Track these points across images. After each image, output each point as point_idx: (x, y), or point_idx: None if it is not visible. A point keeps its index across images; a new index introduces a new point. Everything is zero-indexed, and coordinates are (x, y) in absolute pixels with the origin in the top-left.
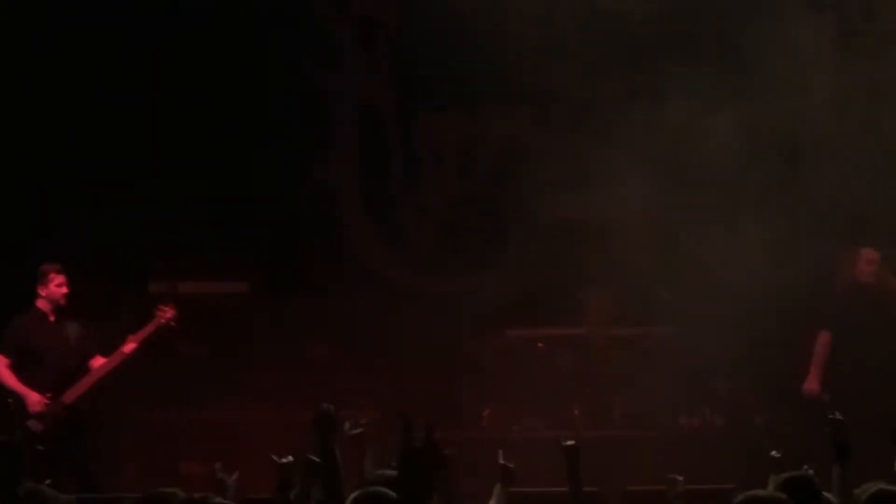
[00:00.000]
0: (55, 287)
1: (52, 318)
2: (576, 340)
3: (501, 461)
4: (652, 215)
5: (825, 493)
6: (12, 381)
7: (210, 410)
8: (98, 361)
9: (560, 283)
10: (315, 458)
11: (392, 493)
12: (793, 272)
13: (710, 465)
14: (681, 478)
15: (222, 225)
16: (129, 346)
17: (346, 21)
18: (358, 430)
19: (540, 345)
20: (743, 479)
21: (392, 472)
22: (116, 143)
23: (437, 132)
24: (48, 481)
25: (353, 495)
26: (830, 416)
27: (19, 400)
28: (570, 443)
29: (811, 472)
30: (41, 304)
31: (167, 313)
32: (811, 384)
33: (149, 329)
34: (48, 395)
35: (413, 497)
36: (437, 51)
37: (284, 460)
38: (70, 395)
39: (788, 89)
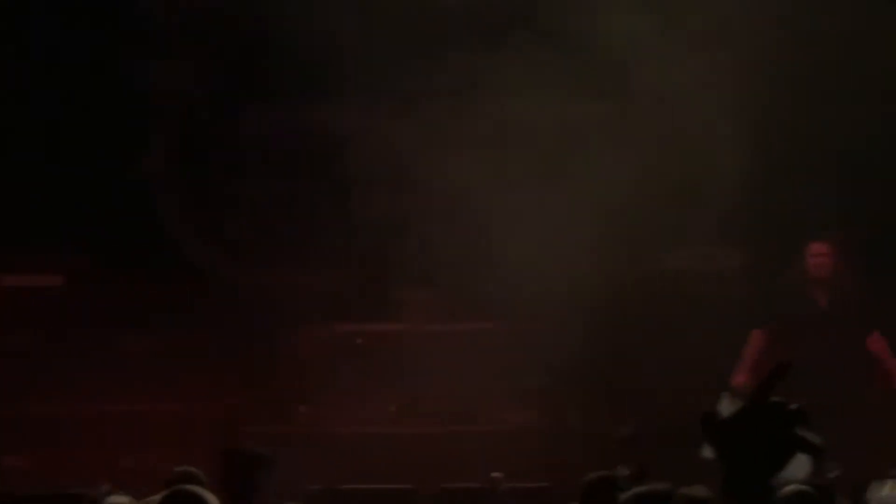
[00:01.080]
0: None
1: None
2: (395, 336)
3: None
4: (473, 210)
5: None
6: None
7: (31, 405)
8: None
9: (380, 278)
10: None
11: (207, 494)
12: (613, 270)
13: (529, 463)
14: (500, 475)
15: (39, 218)
16: None
17: (170, 11)
18: None
19: (359, 340)
20: (557, 478)
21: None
22: None
23: (259, 125)
24: None
25: (163, 493)
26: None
27: None
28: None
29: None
30: None
31: None
32: (738, 378)
33: None
34: None
35: (235, 497)
36: (260, 42)
37: None
38: None
39: (609, 79)
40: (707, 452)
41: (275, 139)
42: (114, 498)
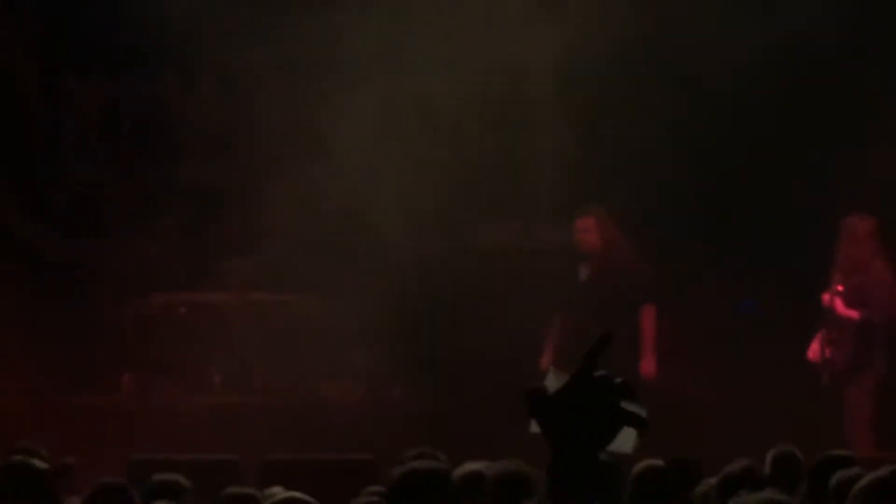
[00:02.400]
0: None
1: None
2: (217, 306)
3: None
4: (295, 183)
5: None
6: None
7: None
8: None
9: (202, 249)
10: None
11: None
12: (440, 242)
13: (350, 436)
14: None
15: None
16: None
17: None
18: None
19: (182, 310)
20: (380, 450)
21: None
22: None
23: (78, 96)
24: None
25: None
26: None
27: None
28: None
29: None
30: None
31: None
32: (543, 360)
33: None
34: None
35: None
36: (78, 13)
37: None
38: None
39: (433, 62)
40: (534, 427)
41: (94, 110)
42: None
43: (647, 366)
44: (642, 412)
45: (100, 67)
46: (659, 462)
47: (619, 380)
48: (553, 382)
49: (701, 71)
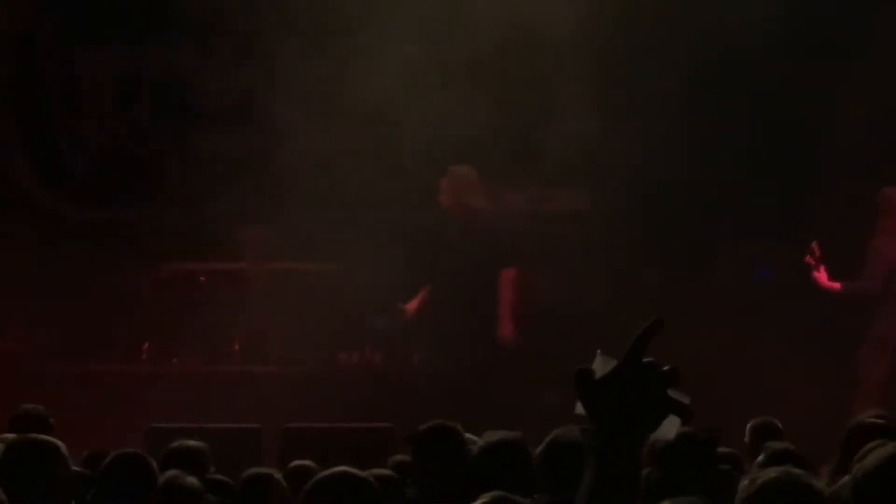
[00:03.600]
0: None
1: None
2: (236, 275)
3: None
4: (313, 151)
5: None
6: None
7: None
8: None
9: (220, 217)
10: None
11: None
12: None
13: (369, 403)
14: None
15: None
16: None
17: None
18: None
19: (201, 278)
20: (400, 419)
21: None
22: None
23: (95, 63)
24: None
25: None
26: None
27: None
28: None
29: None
30: None
31: None
32: (504, 329)
33: None
34: None
35: None
36: None
37: None
38: None
39: (438, 22)
40: (579, 409)
41: (112, 78)
42: None
43: (505, 329)
44: (686, 400)
45: (117, 35)
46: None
47: (666, 367)
48: (601, 366)
49: (724, 33)
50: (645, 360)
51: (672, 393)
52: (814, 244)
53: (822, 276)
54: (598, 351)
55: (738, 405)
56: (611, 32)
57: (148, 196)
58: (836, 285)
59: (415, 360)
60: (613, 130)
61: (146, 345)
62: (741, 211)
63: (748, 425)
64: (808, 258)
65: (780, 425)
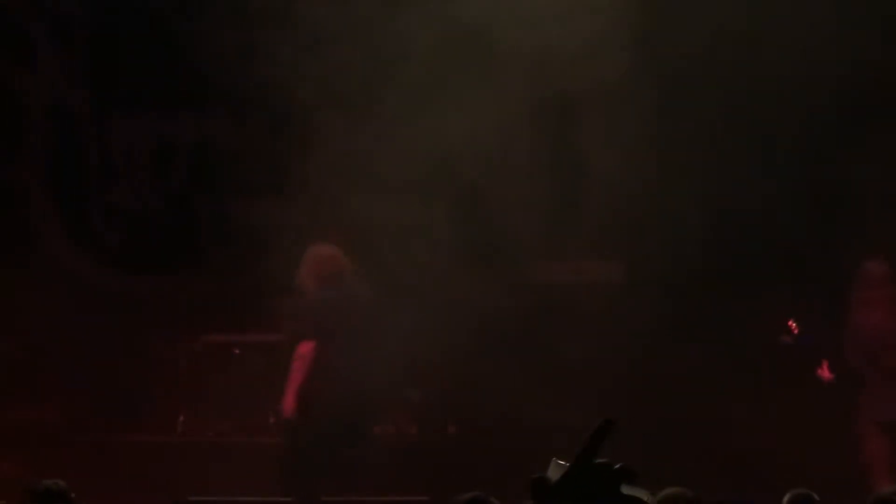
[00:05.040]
0: None
1: None
2: (270, 347)
3: None
4: (347, 222)
5: None
6: None
7: None
8: None
9: (255, 288)
10: None
11: None
12: (487, 283)
13: (404, 474)
14: None
15: None
16: None
17: (39, 18)
18: None
19: (236, 350)
20: (436, 490)
21: None
22: None
23: (131, 132)
24: None
25: None
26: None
27: None
28: None
29: None
30: None
31: None
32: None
33: None
34: None
35: None
36: (132, 50)
37: None
38: None
39: (491, 89)
40: None
41: (146, 147)
42: None
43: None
44: (644, 495)
45: (152, 105)
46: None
47: (618, 465)
48: (556, 472)
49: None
50: (597, 460)
51: (627, 489)
52: (790, 322)
53: (824, 372)
54: (553, 459)
55: (771, 476)
56: (650, 103)
57: (183, 266)
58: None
59: (449, 430)
60: (648, 204)
61: (181, 417)
62: (778, 285)
63: (785, 498)
64: (785, 337)
65: (817, 497)
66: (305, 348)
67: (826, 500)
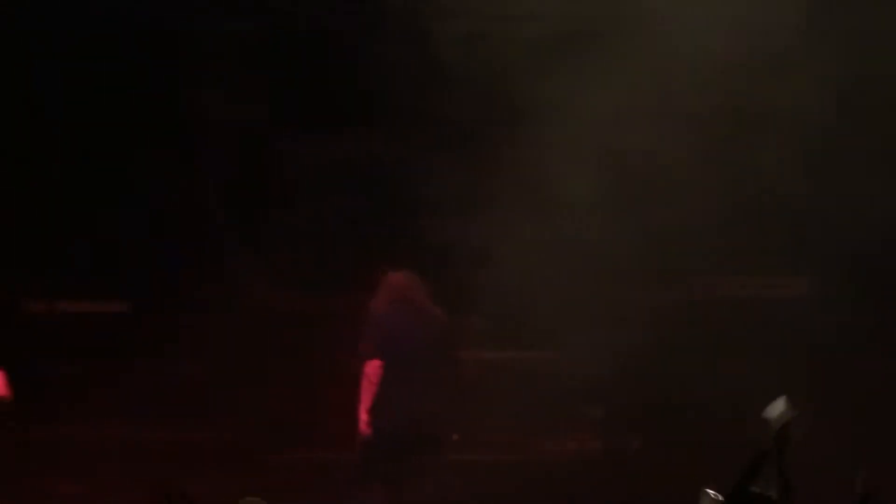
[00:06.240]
0: None
1: None
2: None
3: None
4: (527, 238)
5: None
6: None
7: (85, 429)
8: None
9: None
10: None
11: None
12: (666, 292)
13: (589, 491)
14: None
15: (102, 244)
16: None
17: (220, 39)
18: None
19: None
20: None
21: None
22: None
23: (313, 152)
24: None
25: None
26: None
27: None
28: None
29: None
30: None
31: None
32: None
33: None
34: None
35: None
36: (316, 70)
37: None
38: None
39: (668, 102)
40: None
41: (330, 166)
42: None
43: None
44: None
45: (335, 123)
46: None
47: (772, 494)
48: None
49: None
50: (752, 489)
51: None
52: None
53: None
54: (703, 489)
55: None
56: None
57: (357, 286)
58: None
59: (633, 445)
60: (831, 217)
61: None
62: None
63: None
64: None
65: None
66: (370, 368)
67: None
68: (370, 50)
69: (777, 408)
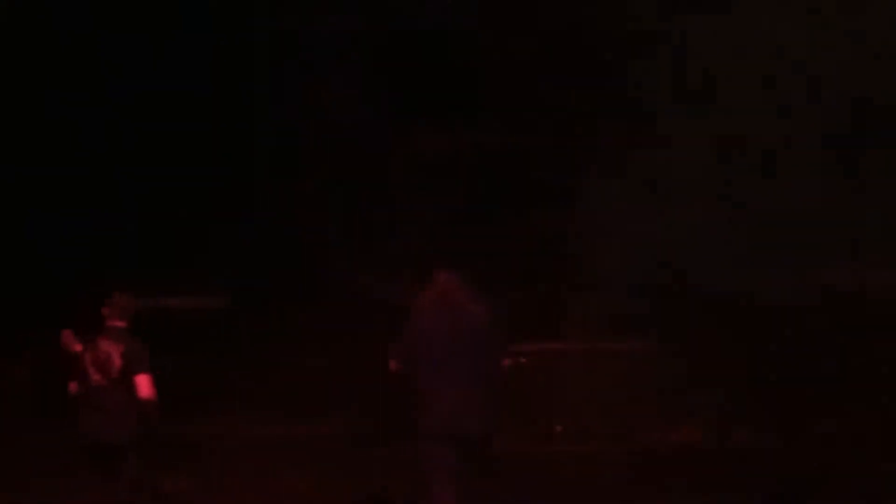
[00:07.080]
0: None
1: None
2: (557, 355)
3: None
4: (632, 227)
5: None
6: None
7: (193, 425)
8: None
9: (542, 299)
10: None
11: None
12: (772, 281)
13: (694, 481)
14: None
15: (204, 240)
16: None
17: (328, 37)
18: None
19: (523, 360)
20: (725, 496)
21: None
22: (84, 151)
23: (418, 146)
24: None
25: None
26: None
27: None
28: None
29: None
30: None
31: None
32: None
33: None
34: None
35: None
36: (424, 65)
37: None
38: None
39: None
40: None
41: (438, 159)
42: None
43: None
44: None
45: (440, 117)
46: None
47: None
48: None
49: None
50: None
51: None
52: None
53: None
54: None
55: None
56: None
57: (470, 277)
58: None
59: (740, 435)
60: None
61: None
62: None
63: None
64: None
65: None
66: (393, 365)
67: None
68: (485, 44)
69: None
